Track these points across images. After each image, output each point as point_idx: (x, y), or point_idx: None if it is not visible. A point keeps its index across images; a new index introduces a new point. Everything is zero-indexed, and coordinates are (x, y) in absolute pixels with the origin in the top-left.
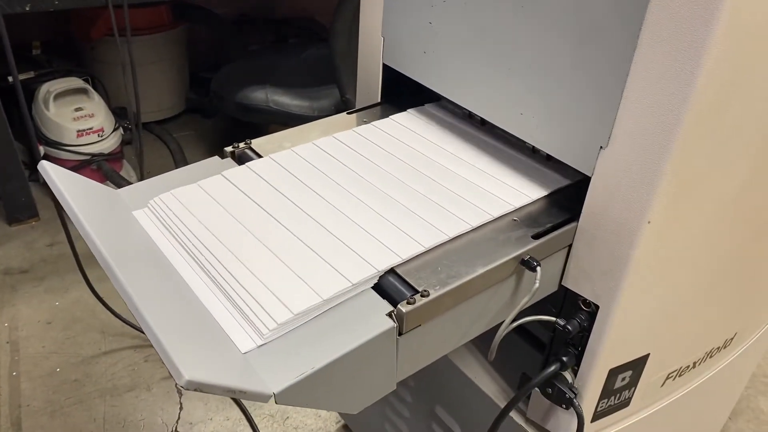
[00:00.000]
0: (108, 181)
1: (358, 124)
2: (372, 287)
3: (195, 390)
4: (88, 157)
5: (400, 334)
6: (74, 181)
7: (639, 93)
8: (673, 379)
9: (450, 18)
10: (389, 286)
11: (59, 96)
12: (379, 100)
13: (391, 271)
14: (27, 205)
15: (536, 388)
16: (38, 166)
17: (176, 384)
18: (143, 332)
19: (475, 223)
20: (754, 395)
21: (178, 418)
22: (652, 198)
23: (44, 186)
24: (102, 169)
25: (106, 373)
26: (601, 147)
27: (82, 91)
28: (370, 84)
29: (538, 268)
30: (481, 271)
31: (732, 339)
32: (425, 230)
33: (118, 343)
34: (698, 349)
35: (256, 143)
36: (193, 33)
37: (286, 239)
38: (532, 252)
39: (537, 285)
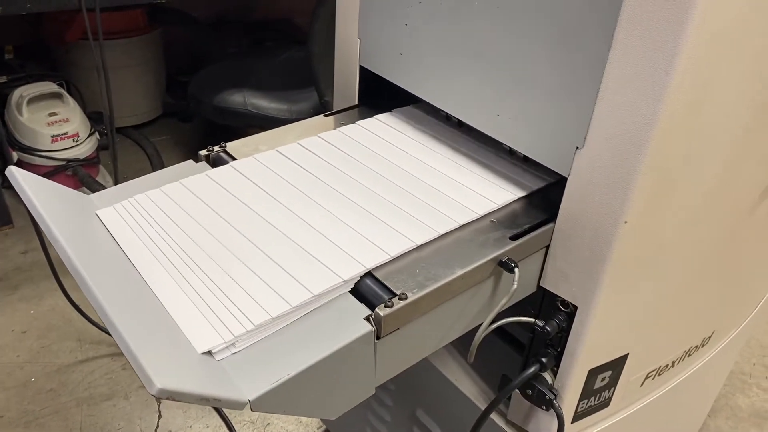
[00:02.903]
0: (84, 187)
1: (336, 127)
2: (349, 291)
3: (167, 398)
4: (63, 163)
5: (378, 338)
6: (43, 186)
7: (614, 93)
8: (653, 379)
9: (426, 19)
10: (367, 289)
11: (33, 101)
12: (356, 102)
13: (369, 274)
14: (0, 213)
15: (516, 390)
16: (6, 172)
17: None
18: None
19: (445, 229)
20: (732, 392)
21: (157, 426)
22: (629, 198)
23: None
24: (77, 174)
25: (82, 381)
26: (577, 147)
27: (56, 96)
28: (347, 86)
29: (516, 270)
30: (459, 273)
31: (710, 337)
32: (393, 238)
33: (94, 351)
34: (677, 348)
35: (232, 146)
36: (170, 36)
37: (249, 247)
38: (510, 253)
39: (515, 286)
